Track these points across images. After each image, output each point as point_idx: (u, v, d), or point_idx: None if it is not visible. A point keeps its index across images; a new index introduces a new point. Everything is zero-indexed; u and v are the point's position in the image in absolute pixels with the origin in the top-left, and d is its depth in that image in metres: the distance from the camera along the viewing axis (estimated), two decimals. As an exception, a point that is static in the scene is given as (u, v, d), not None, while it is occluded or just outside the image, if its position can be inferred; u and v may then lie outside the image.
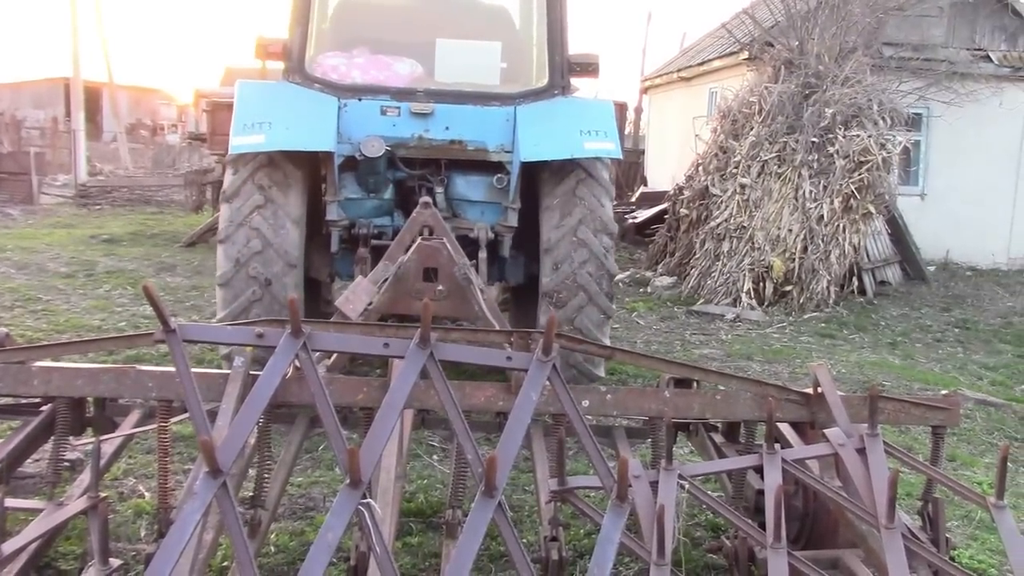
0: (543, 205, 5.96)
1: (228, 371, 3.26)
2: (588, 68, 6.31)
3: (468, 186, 6.12)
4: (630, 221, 15.71)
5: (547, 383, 3.05)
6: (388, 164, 5.91)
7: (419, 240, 4.65)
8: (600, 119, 6.00)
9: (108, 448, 3.58)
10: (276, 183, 5.63)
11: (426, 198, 5.38)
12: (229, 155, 5.72)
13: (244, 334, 3.13)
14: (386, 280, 4.65)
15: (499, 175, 6.01)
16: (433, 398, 3.18)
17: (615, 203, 6.25)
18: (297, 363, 3.05)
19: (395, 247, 5.01)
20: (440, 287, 4.59)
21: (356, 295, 4.55)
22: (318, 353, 3.25)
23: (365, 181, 5.94)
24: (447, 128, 5.94)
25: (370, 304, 4.52)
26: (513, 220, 6.03)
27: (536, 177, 6.04)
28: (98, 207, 18.78)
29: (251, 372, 3.21)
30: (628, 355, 3.82)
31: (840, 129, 11.55)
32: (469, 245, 5.76)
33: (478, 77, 6.28)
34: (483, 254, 5.81)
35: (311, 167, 5.89)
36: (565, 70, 6.22)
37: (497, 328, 4.29)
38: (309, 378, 2.94)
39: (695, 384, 3.74)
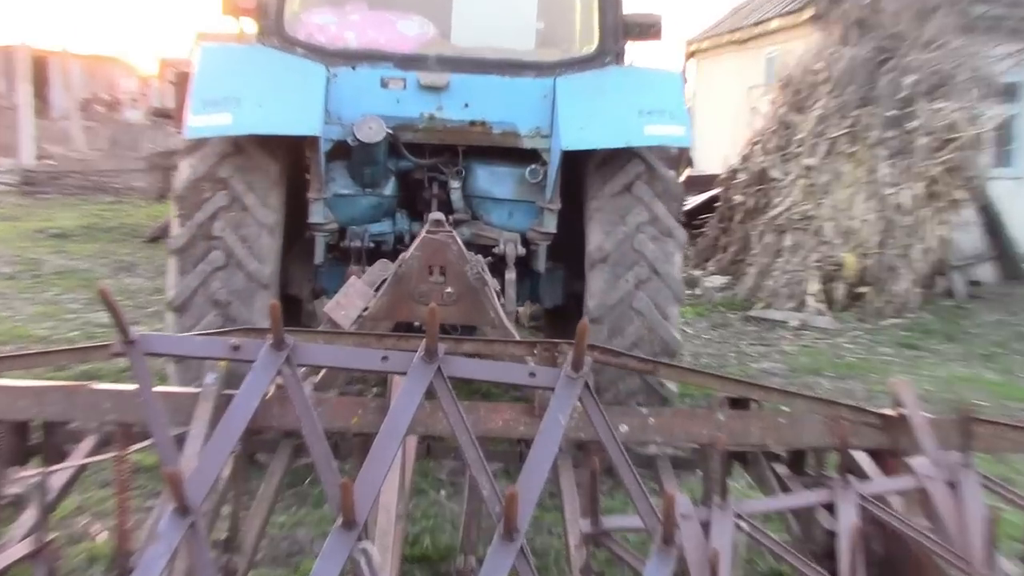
0: (589, 207, 5.64)
1: (198, 389, 3.25)
2: (649, 30, 6.03)
3: (493, 180, 5.90)
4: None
5: (578, 404, 3.03)
6: (390, 152, 5.70)
7: (424, 233, 4.61)
8: (665, 95, 5.68)
9: (57, 481, 3.58)
10: (245, 177, 5.35)
11: (438, 214, 5.15)
12: (184, 141, 5.45)
13: (216, 346, 3.12)
14: (384, 281, 4.63)
15: (533, 167, 5.75)
16: (441, 422, 3.16)
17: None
18: (280, 380, 3.04)
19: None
20: (449, 289, 4.55)
21: (348, 299, 4.54)
22: (304, 368, 3.24)
23: (360, 173, 5.72)
24: (466, 105, 5.70)
25: (365, 310, 4.50)
26: (551, 225, 5.75)
27: (581, 170, 5.75)
28: (46, 196, 18.91)
29: (225, 391, 3.21)
30: (674, 371, 3.79)
31: (922, 101, 11.49)
32: (494, 262, 5.51)
33: (507, 40, 6.05)
34: (511, 274, 5.54)
35: (291, 155, 5.62)
36: (619, 32, 5.92)
37: (517, 338, 4.26)
38: (294, 398, 2.93)
39: (753, 405, 3.72)
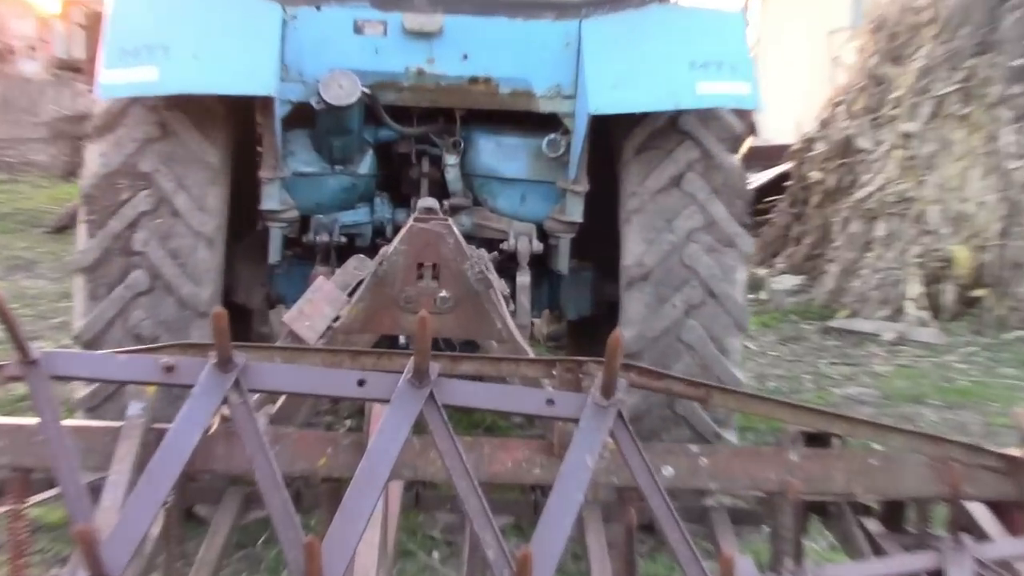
0: (626, 206, 5.59)
1: (119, 423, 3.26)
2: None
3: (501, 155, 5.90)
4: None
5: (609, 440, 3.04)
6: (366, 117, 5.72)
7: (411, 222, 4.60)
8: (724, 42, 5.61)
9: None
10: (175, 171, 5.27)
11: (429, 200, 5.07)
12: (95, 104, 5.42)
13: (143, 367, 3.11)
14: (360, 283, 4.63)
15: (552, 136, 5.73)
16: (434, 463, 3.18)
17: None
18: (226, 411, 3.06)
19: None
20: (443, 293, 4.53)
21: (314, 307, 4.55)
22: (258, 395, 3.25)
23: (327, 146, 5.73)
24: (465, 57, 5.64)
25: (336, 320, 4.50)
26: (575, 212, 5.70)
27: (615, 142, 5.74)
28: (-82, 174, 18.94)
29: (154, 425, 3.22)
30: (732, 397, 3.79)
31: (1058, 46, 11.50)
32: (502, 260, 5.48)
33: None
34: (524, 277, 5.53)
35: (236, 125, 5.61)
36: None
37: (532, 355, 4.27)
38: (244, 433, 2.93)
39: (836, 442, 3.72)
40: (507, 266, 5.52)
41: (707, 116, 5.59)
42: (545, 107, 5.70)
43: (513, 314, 4.87)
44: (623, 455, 3.06)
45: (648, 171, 5.55)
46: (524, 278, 5.51)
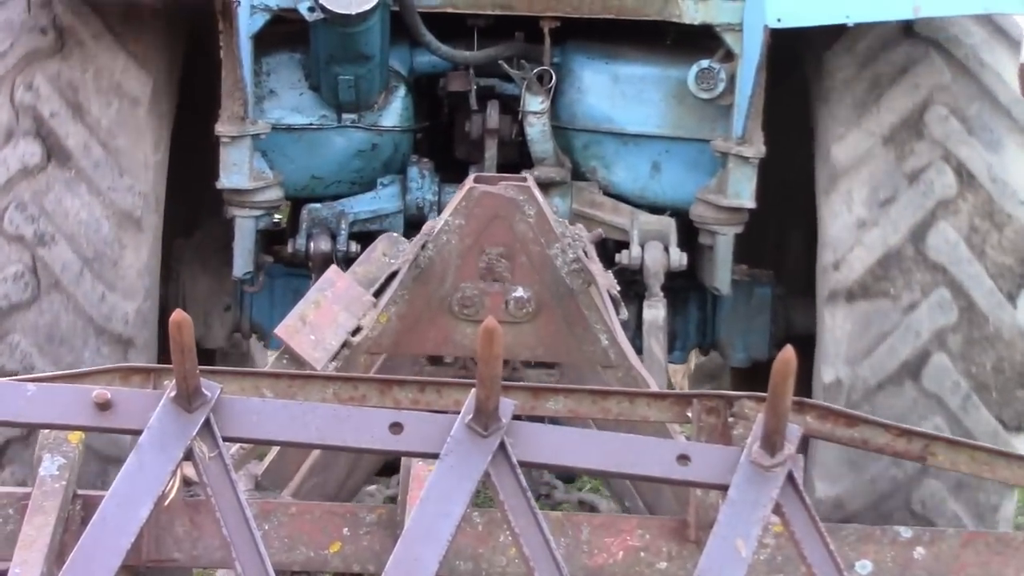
0: (824, 173, 5.47)
1: (26, 489, 3.26)
2: None
3: (618, 95, 5.82)
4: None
5: (774, 518, 3.01)
6: (394, 34, 5.62)
7: (470, 182, 4.55)
8: None
9: None
10: (81, 91, 5.23)
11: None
12: None
13: (63, 402, 3.09)
14: (392, 277, 4.60)
15: (706, 64, 5.64)
16: (504, 553, 3.18)
17: None
18: (190, 469, 3.04)
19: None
20: (520, 292, 4.50)
21: (323, 314, 4.53)
22: (238, 447, 3.24)
23: (329, 83, 5.65)
24: None
25: (356, 332, 4.49)
26: (744, 192, 5.63)
27: (812, 76, 5.65)
28: None
29: (81, 492, 3.21)
30: (972, 456, 3.71)
31: None
32: (620, 269, 5.40)
33: None
34: (656, 311, 5.43)
35: (179, 48, 5.58)
36: None
37: (654, 387, 4.24)
38: (218, 503, 2.91)
39: None
40: (630, 280, 5.45)
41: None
42: (692, 14, 5.54)
43: (628, 331, 4.81)
44: (796, 542, 3.01)
45: (865, 109, 5.43)
46: (655, 311, 5.43)
